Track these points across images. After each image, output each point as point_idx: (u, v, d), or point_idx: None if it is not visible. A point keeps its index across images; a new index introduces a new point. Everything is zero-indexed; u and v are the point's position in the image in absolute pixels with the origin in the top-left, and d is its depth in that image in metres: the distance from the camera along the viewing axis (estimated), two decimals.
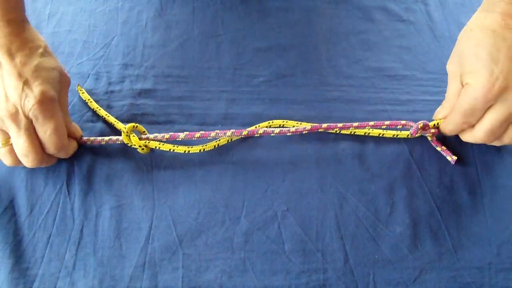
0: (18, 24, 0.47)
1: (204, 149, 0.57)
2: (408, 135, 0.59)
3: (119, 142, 0.57)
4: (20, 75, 0.46)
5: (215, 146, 0.58)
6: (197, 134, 0.56)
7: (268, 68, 0.66)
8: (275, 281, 0.53)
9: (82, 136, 0.58)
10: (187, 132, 0.57)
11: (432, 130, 0.58)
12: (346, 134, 0.61)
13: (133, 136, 0.56)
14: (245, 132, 0.56)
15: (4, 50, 0.45)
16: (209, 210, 0.56)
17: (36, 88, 0.46)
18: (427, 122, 0.57)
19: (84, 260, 0.53)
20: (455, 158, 0.58)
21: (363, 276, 0.53)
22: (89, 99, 0.62)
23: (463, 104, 0.49)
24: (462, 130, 0.54)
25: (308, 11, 0.71)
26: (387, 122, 0.57)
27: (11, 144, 0.49)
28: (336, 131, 0.59)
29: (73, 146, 0.55)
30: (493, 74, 0.45)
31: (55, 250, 0.54)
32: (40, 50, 0.49)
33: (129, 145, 0.57)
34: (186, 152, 0.57)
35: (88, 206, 0.56)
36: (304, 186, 0.58)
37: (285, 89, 0.64)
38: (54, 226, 0.55)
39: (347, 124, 0.57)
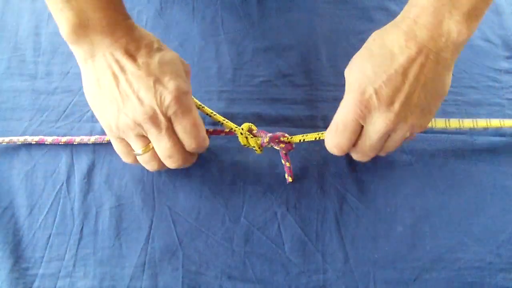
0: (127, 24, 0.45)
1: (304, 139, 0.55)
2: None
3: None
4: (148, 74, 0.43)
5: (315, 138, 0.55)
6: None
7: (268, 68, 0.66)
8: (275, 281, 0.53)
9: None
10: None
11: (282, 145, 0.54)
12: None
13: (251, 137, 0.54)
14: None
15: (123, 52, 0.43)
16: (209, 210, 0.56)
17: (169, 84, 0.43)
18: (278, 134, 0.54)
19: (84, 260, 0.53)
20: (290, 179, 0.56)
21: (363, 276, 0.53)
22: (200, 105, 0.56)
23: (335, 118, 0.48)
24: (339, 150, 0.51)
25: (308, 11, 0.71)
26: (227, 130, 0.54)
27: (153, 149, 0.47)
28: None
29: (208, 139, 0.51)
30: (365, 94, 0.43)
31: (55, 250, 0.54)
32: (156, 45, 0.46)
33: (245, 146, 0.55)
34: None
35: (88, 206, 0.56)
36: (304, 186, 0.58)
37: (285, 89, 0.64)
38: (54, 226, 0.55)
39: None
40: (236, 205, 0.56)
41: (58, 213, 0.56)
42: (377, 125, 0.45)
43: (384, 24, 0.46)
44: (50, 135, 0.59)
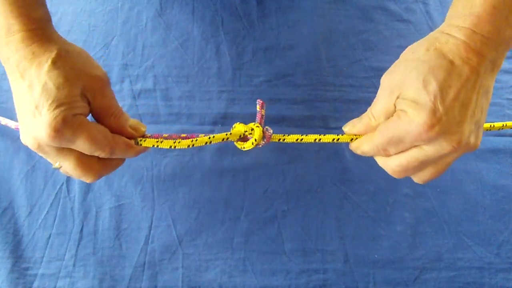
0: (23, 36, 0.39)
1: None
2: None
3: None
4: (30, 100, 0.39)
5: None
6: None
7: (268, 68, 0.66)
8: (275, 281, 0.53)
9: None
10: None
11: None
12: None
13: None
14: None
15: (14, 70, 0.40)
16: (209, 210, 0.56)
17: (45, 116, 0.38)
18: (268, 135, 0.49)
19: (84, 260, 0.53)
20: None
21: (363, 276, 0.53)
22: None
23: (392, 131, 0.41)
24: (377, 155, 0.46)
25: (308, 11, 0.71)
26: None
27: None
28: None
29: (134, 150, 0.45)
30: (436, 114, 0.38)
31: (55, 250, 0.54)
32: (47, 66, 0.39)
33: (243, 148, 0.48)
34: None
35: (88, 206, 0.56)
36: (304, 186, 0.58)
37: (285, 89, 0.64)
38: (54, 226, 0.55)
39: None
40: (236, 205, 0.56)
41: (58, 213, 0.55)
42: (440, 149, 0.39)
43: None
44: None
